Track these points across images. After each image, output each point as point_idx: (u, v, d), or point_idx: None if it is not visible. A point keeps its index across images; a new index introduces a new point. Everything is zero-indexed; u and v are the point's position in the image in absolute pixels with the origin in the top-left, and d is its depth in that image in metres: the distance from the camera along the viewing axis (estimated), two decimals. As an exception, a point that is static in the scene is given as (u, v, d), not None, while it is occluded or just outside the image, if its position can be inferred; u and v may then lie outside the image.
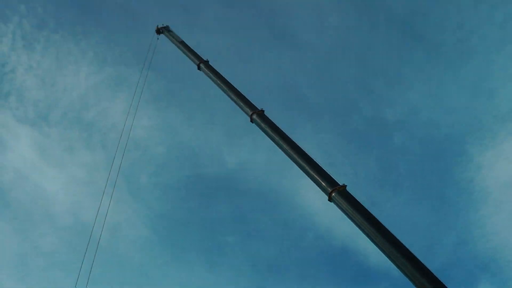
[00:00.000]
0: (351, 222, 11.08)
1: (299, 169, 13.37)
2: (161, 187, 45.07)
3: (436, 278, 9.12)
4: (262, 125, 15.21)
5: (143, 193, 44.69)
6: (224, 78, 18.58)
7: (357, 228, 10.93)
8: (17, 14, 44.07)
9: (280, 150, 14.39)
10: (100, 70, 46.30)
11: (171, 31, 24.99)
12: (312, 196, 35.75)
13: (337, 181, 12.20)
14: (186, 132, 46.59)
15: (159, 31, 25.87)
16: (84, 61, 45.98)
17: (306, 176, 13.01)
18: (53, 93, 45.23)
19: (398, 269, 9.77)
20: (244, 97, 16.92)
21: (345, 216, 11.38)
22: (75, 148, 45.76)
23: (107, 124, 45.19)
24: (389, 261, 9.96)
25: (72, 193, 44.85)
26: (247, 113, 16.10)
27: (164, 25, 25.81)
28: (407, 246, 9.97)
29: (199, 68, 20.21)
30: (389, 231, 10.41)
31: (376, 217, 10.85)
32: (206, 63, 20.09)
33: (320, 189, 12.37)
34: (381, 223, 10.64)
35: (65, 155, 45.82)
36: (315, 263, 42.94)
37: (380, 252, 10.22)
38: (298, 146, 13.94)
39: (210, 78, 19.24)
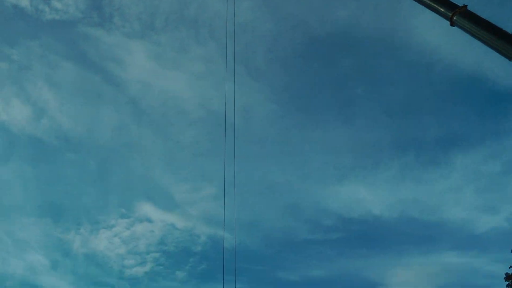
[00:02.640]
0: (479, 43, 10.90)
1: (411, 4, 13.00)
2: (278, 60, 45.90)
3: None
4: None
5: (263, 71, 46.01)
6: None
7: (487, 47, 10.75)
8: None
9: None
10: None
11: None
12: (431, 29, 33.66)
13: (455, 3, 11.76)
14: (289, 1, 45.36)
15: None
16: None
17: (421, 8, 12.68)
18: (151, 1, 46.47)
19: None
20: None
21: (471, 37, 11.22)
22: (187, 46, 47.78)
23: (210, 15, 45.69)
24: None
25: (196, 87, 48.30)
26: None
27: None
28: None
29: None
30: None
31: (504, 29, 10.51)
32: None
33: (440, 16, 12.11)
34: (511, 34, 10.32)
35: (180, 55, 48.41)
36: (447, 95, 41.90)
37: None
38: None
39: None
